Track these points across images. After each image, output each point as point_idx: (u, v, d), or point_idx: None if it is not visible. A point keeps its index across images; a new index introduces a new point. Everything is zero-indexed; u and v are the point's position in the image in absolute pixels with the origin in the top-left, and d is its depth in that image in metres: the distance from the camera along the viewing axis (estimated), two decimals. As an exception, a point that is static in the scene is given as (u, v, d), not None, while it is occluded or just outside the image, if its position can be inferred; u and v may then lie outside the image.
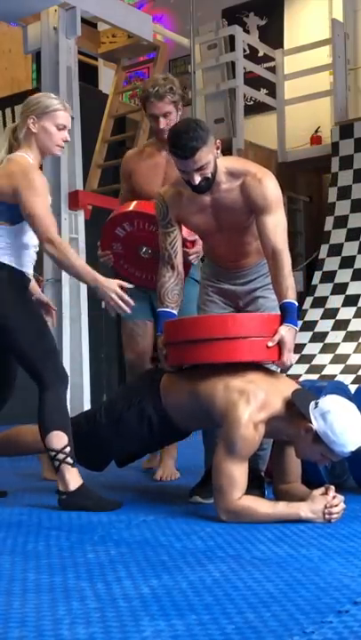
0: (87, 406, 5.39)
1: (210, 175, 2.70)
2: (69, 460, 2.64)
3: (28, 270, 2.78)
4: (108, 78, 7.48)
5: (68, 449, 2.64)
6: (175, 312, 2.83)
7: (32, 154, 2.74)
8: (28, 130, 2.74)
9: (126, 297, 2.65)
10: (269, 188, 2.77)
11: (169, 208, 2.86)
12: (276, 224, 2.77)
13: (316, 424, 2.38)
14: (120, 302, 2.64)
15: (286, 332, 2.61)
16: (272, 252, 2.73)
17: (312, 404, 2.43)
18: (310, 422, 2.39)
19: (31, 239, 2.74)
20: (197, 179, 2.68)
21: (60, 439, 2.63)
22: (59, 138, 2.77)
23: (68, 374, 2.84)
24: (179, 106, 3.32)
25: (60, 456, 2.63)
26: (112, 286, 2.64)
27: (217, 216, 2.85)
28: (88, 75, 7.59)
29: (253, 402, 2.45)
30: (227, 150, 7.31)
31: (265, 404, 2.47)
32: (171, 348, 2.71)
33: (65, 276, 5.20)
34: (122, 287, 2.66)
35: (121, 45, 6.45)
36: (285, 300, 2.68)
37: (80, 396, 5.42)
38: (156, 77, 3.37)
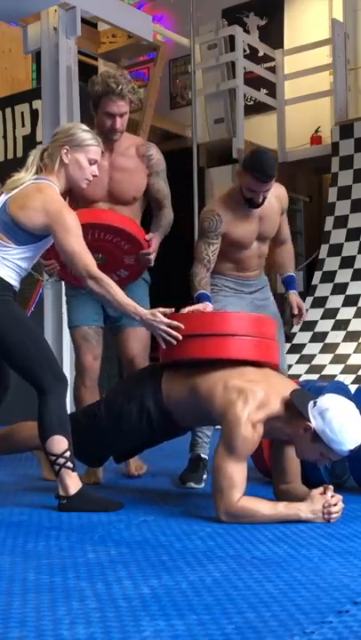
0: (87, 406, 5.37)
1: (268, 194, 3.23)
2: (69, 464, 2.64)
3: (18, 285, 2.77)
4: (108, 78, 7.46)
5: (67, 453, 2.63)
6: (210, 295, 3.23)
7: (59, 182, 2.75)
8: (60, 159, 2.75)
9: (175, 324, 2.65)
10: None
11: (222, 223, 3.24)
12: (287, 220, 3.56)
13: (315, 422, 2.39)
14: (168, 336, 2.64)
15: (296, 296, 3.50)
16: (285, 239, 3.56)
17: (311, 403, 2.44)
18: (309, 421, 2.40)
19: (28, 264, 2.75)
20: (261, 199, 3.19)
21: (60, 444, 2.63)
22: (89, 172, 2.79)
23: (68, 375, 2.83)
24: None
25: (61, 460, 2.63)
26: (157, 318, 2.65)
27: (261, 225, 3.33)
28: (88, 75, 7.57)
29: (252, 401, 2.45)
30: (227, 150, 7.33)
31: (264, 404, 2.47)
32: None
33: (65, 275, 5.20)
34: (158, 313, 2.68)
35: (121, 45, 6.44)
36: (291, 273, 3.55)
37: (80, 396, 5.42)
38: (113, 73, 3.20)
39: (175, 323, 2.65)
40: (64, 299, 5.34)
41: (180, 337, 2.64)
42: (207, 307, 2.96)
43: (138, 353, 3.34)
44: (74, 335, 3.37)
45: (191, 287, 3.27)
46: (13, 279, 2.70)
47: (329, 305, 6.49)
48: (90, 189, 3.00)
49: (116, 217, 3.17)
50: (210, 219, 3.27)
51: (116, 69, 6.73)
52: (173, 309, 2.76)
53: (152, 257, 3.25)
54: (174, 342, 2.65)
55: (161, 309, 2.71)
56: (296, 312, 3.49)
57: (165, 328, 2.65)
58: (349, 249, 6.68)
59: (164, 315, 2.68)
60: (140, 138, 3.39)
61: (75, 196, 3.08)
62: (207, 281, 3.25)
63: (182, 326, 2.65)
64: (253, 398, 2.46)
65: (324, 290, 6.62)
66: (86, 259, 2.65)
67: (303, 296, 6.73)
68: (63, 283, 3.46)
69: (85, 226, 3.02)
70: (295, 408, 2.45)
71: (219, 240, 3.26)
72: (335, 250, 6.76)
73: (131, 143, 3.28)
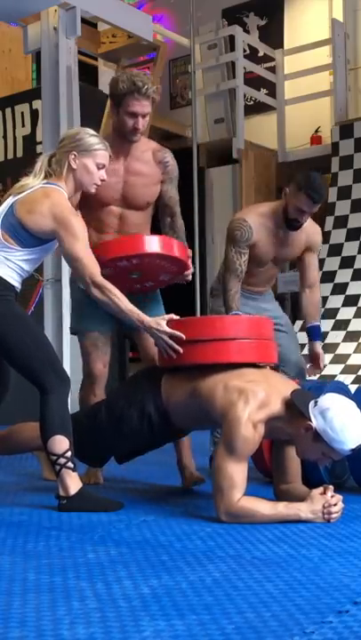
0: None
1: None
2: (70, 464, 2.64)
3: (20, 286, 2.77)
4: (108, 78, 7.47)
5: (69, 453, 2.63)
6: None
7: (67, 188, 2.75)
8: (68, 165, 2.75)
9: (177, 334, 2.64)
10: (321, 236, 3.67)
11: (253, 235, 3.37)
12: (317, 263, 3.67)
13: (316, 422, 2.39)
14: (169, 349, 2.65)
15: (319, 348, 3.59)
16: (313, 283, 3.63)
17: (311, 402, 2.44)
18: (310, 421, 2.40)
19: (30, 267, 2.75)
20: (305, 219, 3.36)
21: (61, 444, 2.63)
22: (97, 177, 2.79)
23: (69, 375, 2.83)
24: None
25: (62, 460, 2.63)
26: (162, 327, 2.65)
27: (281, 248, 3.47)
28: (88, 75, 7.59)
29: (253, 401, 2.45)
30: (227, 150, 7.33)
31: (264, 404, 2.47)
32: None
33: (65, 275, 5.20)
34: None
35: (121, 45, 6.44)
36: (316, 323, 3.60)
37: (80, 396, 5.42)
38: (137, 72, 3.11)
39: (177, 333, 2.65)
40: (64, 299, 5.31)
41: (181, 350, 2.65)
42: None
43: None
44: (83, 341, 3.26)
45: (225, 302, 3.39)
46: (15, 280, 2.70)
47: (329, 305, 6.49)
48: (103, 193, 2.96)
49: (170, 244, 3.07)
50: (242, 228, 3.38)
51: (116, 69, 6.73)
52: (178, 317, 2.75)
53: (190, 277, 3.24)
54: (173, 355, 2.66)
55: (167, 316, 2.71)
56: (321, 366, 3.62)
57: (166, 339, 2.65)
58: (349, 249, 6.69)
59: (170, 321, 2.67)
60: (156, 143, 3.31)
61: (87, 200, 3.03)
62: (239, 295, 3.38)
63: (183, 337, 2.65)
64: (254, 398, 2.46)
65: (324, 290, 6.60)
66: (91, 267, 2.65)
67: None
68: (65, 284, 3.42)
69: (153, 256, 2.98)
70: (296, 408, 2.44)
71: (248, 250, 3.38)
72: (335, 250, 6.76)
73: (147, 147, 3.19)
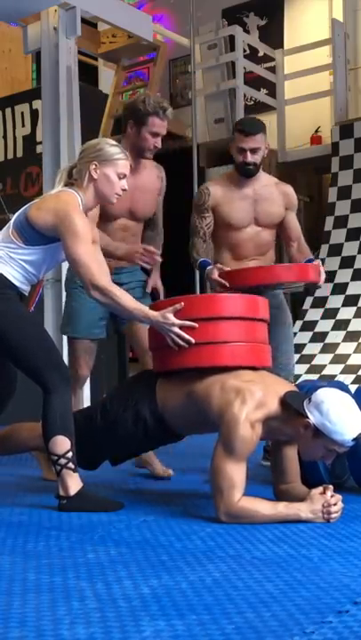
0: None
1: None
2: (71, 465, 2.64)
3: (24, 287, 2.76)
4: (108, 78, 7.48)
5: (69, 454, 2.63)
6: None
7: (85, 196, 2.75)
8: (89, 175, 2.75)
9: (188, 324, 2.61)
10: None
11: (210, 196, 3.40)
12: (297, 221, 3.66)
13: (313, 417, 2.39)
14: (180, 340, 2.60)
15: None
16: (299, 237, 3.61)
17: (306, 400, 2.44)
18: (307, 417, 2.40)
19: (36, 269, 2.74)
20: (252, 161, 3.41)
21: (62, 444, 2.63)
22: (118, 187, 2.78)
23: (68, 375, 2.83)
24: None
25: (62, 461, 2.63)
26: (170, 319, 2.59)
27: (256, 206, 3.47)
28: (88, 75, 7.59)
29: (250, 401, 2.45)
30: (227, 150, 7.32)
31: (262, 404, 2.46)
32: (155, 354, 2.77)
33: (65, 276, 5.19)
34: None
35: (121, 45, 6.44)
36: (310, 257, 3.57)
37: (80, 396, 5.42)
38: (155, 95, 3.45)
39: (188, 323, 2.60)
40: (64, 299, 5.30)
41: (193, 341, 2.59)
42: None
43: None
44: (75, 345, 3.37)
45: (191, 258, 3.41)
46: (17, 280, 2.70)
47: (329, 305, 6.49)
48: (115, 206, 3.02)
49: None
50: (199, 193, 3.49)
51: (116, 69, 6.73)
52: (183, 303, 2.64)
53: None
54: (186, 346, 2.61)
55: (170, 308, 2.62)
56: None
57: (177, 331, 2.59)
58: (349, 249, 6.68)
59: (175, 313, 2.60)
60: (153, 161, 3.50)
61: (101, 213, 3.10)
62: (205, 249, 3.38)
63: (196, 325, 2.60)
64: (252, 398, 2.46)
65: (324, 290, 6.61)
66: (92, 269, 2.62)
67: (303, 296, 6.75)
68: (63, 283, 3.48)
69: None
70: (291, 407, 2.44)
71: (210, 214, 3.41)
72: (335, 250, 6.76)
73: (150, 164, 3.40)
